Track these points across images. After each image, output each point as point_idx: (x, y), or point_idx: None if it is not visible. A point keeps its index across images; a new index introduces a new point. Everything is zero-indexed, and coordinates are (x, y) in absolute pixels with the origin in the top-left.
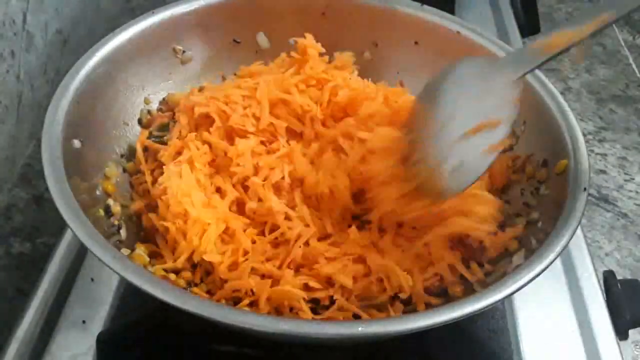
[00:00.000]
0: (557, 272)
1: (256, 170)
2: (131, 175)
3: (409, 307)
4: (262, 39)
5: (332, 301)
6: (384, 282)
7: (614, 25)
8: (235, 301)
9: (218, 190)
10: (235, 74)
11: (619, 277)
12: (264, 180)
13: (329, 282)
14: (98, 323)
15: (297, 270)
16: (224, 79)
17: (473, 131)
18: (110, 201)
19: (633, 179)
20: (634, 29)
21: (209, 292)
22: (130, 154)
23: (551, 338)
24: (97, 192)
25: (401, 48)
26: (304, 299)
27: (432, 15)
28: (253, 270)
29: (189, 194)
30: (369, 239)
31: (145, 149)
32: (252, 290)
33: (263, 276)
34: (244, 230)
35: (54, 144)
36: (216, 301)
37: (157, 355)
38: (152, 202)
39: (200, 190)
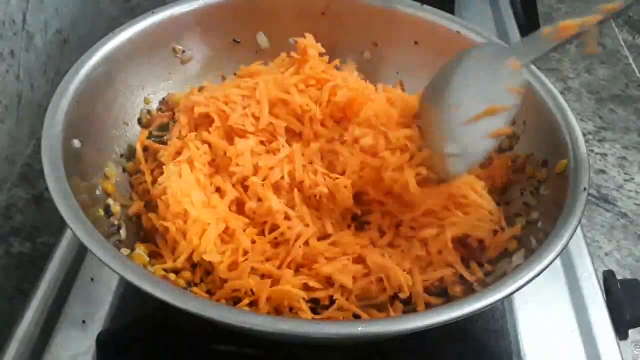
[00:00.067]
0: (557, 272)
1: (256, 170)
2: (131, 175)
3: (409, 307)
4: (262, 39)
5: (332, 301)
6: (383, 282)
7: (614, 25)
8: (235, 301)
9: (218, 190)
10: (235, 74)
11: (619, 277)
12: (263, 181)
13: (328, 282)
14: (98, 323)
15: (297, 270)
16: (224, 79)
17: (477, 117)
18: (110, 201)
19: (633, 179)
20: (634, 29)
21: (209, 292)
22: (130, 154)
23: (551, 338)
24: (97, 192)
25: (401, 48)
26: (303, 299)
27: (432, 15)
28: (253, 270)
29: (189, 194)
30: (369, 239)
31: (145, 149)
32: (252, 290)
33: (263, 276)
34: (244, 230)
35: (54, 144)
36: (216, 301)
37: (157, 355)
38: (152, 202)
39: (200, 190)
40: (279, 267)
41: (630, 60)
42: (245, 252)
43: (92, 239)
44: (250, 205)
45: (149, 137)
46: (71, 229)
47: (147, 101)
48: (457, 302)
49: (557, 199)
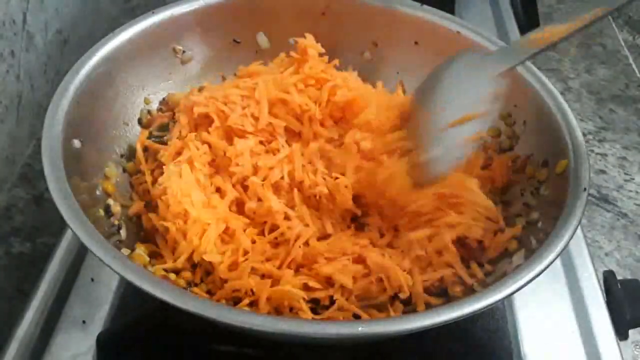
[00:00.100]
0: (557, 272)
1: (255, 170)
2: (131, 175)
3: (409, 307)
4: (262, 39)
5: (332, 301)
6: (383, 282)
7: (614, 25)
8: (235, 301)
9: (218, 190)
10: (235, 74)
11: (619, 277)
12: (263, 180)
13: (328, 282)
14: (98, 323)
15: (297, 270)
16: (224, 79)
17: (456, 123)
18: (110, 201)
19: (633, 179)
20: (634, 29)
21: (209, 292)
22: (130, 154)
23: (551, 338)
24: (97, 192)
25: (401, 48)
26: (303, 299)
27: (432, 15)
28: (253, 270)
29: (188, 194)
30: (369, 239)
31: (145, 149)
32: (252, 290)
33: (263, 276)
34: (244, 230)
35: (54, 144)
36: (216, 301)
37: (157, 355)
38: (152, 202)
39: (200, 190)
40: (279, 267)
41: (630, 60)
42: (245, 252)
43: (92, 239)
44: (250, 205)
45: (149, 137)
46: (71, 229)
47: (147, 101)
48: (457, 302)
49: (557, 199)
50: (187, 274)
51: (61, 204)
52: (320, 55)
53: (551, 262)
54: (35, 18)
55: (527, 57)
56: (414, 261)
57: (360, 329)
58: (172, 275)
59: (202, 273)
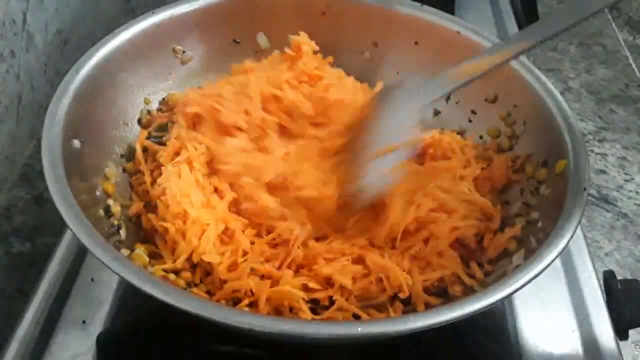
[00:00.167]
0: (557, 272)
1: (246, 168)
2: (131, 175)
3: (409, 307)
4: (262, 39)
5: (332, 301)
6: (383, 282)
7: (614, 26)
8: (235, 302)
9: (216, 190)
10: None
11: (619, 277)
12: (256, 180)
13: (328, 282)
14: (98, 323)
15: (297, 270)
16: None
17: (377, 154)
18: (110, 201)
19: (633, 179)
20: (634, 29)
21: (208, 292)
22: (130, 154)
23: (551, 338)
24: (97, 193)
25: (401, 48)
26: (303, 299)
27: (432, 16)
28: (252, 271)
29: (188, 195)
30: (368, 240)
31: (145, 150)
32: (251, 291)
33: (262, 277)
34: (243, 231)
35: (54, 144)
36: (216, 302)
37: (157, 355)
38: (152, 202)
39: (199, 190)
40: (279, 268)
41: (630, 60)
42: (245, 253)
43: (92, 239)
44: (245, 205)
45: (148, 138)
46: (71, 229)
47: (147, 101)
48: (457, 302)
49: (557, 199)
50: (187, 275)
51: (61, 204)
52: (315, 52)
53: (551, 262)
54: (35, 18)
55: (452, 90)
56: (413, 261)
57: (359, 329)
58: (172, 276)
59: (201, 273)
